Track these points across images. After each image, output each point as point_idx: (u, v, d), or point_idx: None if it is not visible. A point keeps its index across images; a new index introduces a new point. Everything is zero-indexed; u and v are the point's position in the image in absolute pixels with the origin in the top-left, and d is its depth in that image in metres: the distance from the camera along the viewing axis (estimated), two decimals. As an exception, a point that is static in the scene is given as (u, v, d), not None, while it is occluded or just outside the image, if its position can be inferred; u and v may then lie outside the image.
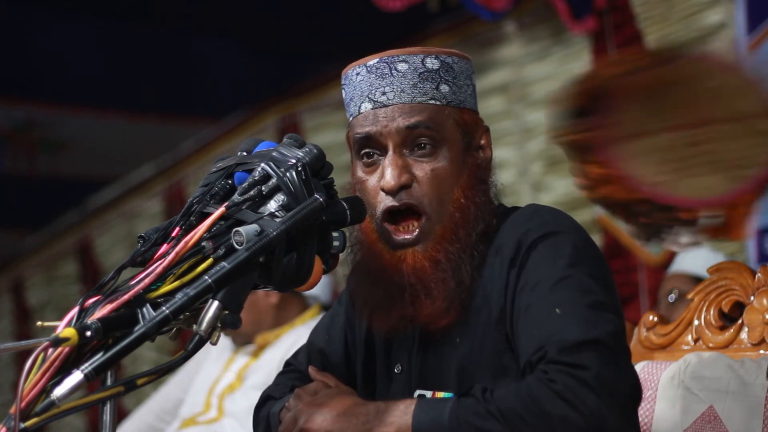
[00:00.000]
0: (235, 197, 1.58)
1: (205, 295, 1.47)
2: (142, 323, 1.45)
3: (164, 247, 1.55)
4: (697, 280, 3.58)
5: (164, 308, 1.45)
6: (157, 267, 1.50)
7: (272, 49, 8.67)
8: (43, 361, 1.41)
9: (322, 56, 7.04)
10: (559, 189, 5.03)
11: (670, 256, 4.23)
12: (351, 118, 1.86)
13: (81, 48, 8.55)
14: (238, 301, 1.50)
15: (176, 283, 1.50)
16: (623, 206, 1.98)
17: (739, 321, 2.12)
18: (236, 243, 1.51)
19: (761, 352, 2.07)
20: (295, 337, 3.36)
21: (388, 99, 1.80)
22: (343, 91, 1.89)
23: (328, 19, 7.86)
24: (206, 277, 1.47)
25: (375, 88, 1.81)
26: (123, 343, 1.43)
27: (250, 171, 1.62)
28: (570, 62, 5.00)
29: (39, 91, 8.92)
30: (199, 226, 1.54)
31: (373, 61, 1.81)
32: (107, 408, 1.45)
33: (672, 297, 3.65)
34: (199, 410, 3.44)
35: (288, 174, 1.57)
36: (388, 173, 1.78)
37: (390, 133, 1.79)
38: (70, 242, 8.09)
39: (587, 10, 4.73)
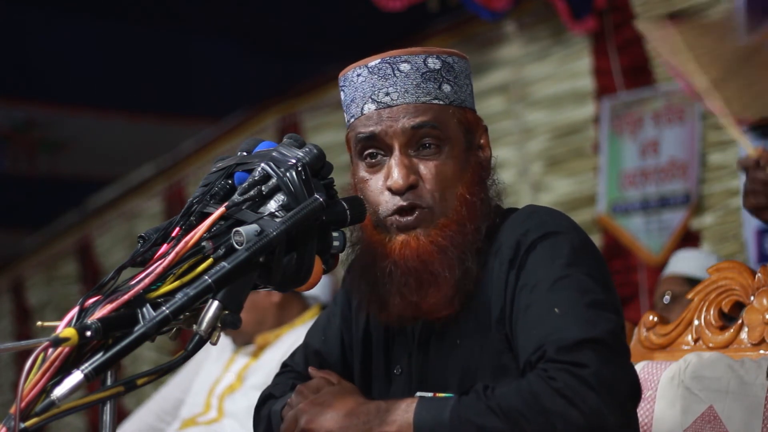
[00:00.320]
0: (235, 197, 1.58)
1: (205, 295, 1.47)
2: (142, 323, 1.45)
3: (164, 247, 1.55)
4: (690, 281, 3.59)
5: (164, 308, 1.45)
6: (157, 267, 1.50)
7: (272, 49, 8.67)
8: (43, 361, 1.41)
9: (322, 56, 7.05)
10: (559, 189, 5.04)
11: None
12: (352, 120, 1.85)
13: (81, 48, 8.55)
14: (238, 301, 1.50)
15: (176, 283, 1.50)
16: None
17: (739, 321, 2.12)
18: (236, 243, 1.51)
19: (761, 352, 2.07)
20: (294, 337, 3.35)
21: (392, 99, 1.80)
22: (341, 93, 1.88)
23: (328, 19, 7.86)
24: (206, 277, 1.47)
25: (378, 88, 1.81)
26: (123, 343, 1.43)
27: (250, 171, 1.62)
28: (570, 62, 5.01)
29: (39, 91, 8.92)
30: (199, 226, 1.54)
31: (374, 61, 1.81)
32: (107, 408, 1.45)
33: (666, 299, 3.65)
34: (199, 411, 3.44)
35: (288, 174, 1.57)
36: (395, 173, 1.78)
37: (395, 133, 1.79)
38: (70, 242, 8.09)
39: (587, 10, 4.73)
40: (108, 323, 1.43)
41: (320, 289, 3.53)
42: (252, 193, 1.57)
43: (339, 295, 2.03)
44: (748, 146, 2.24)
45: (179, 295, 1.46)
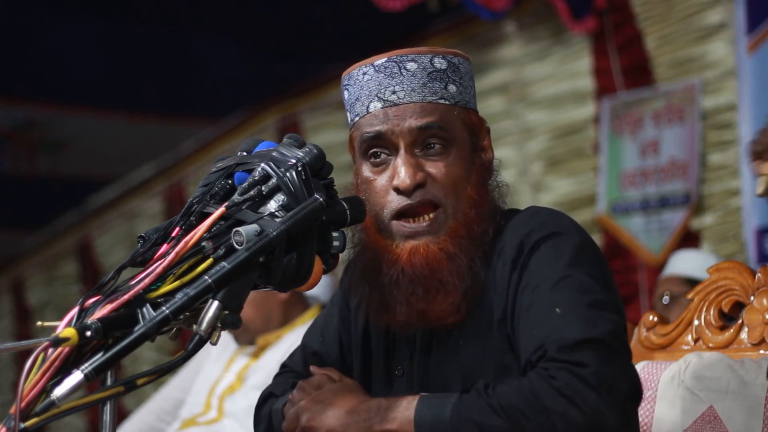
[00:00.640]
0: (235, 197, 1.57)
1: (205, 295, 1.47)
2: (142, 323, 1.45)
3: (164, 247, 1.55)
4: (689, 282, 3.60)
5: (164, 308, 1.45)
6: (157, 267, 1.50)
7: (272, 49, 8.67)
8: (43, 361, 1.41)
9: (322, 56, 7.05)
10: (559, 189, 5.04)
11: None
12: (357, 118, 1.85)
13: (81, 48, 8.55)
14: (238, 301, 1.50)
15: (176, 283, 1.50)
16: None
17: (739, 321, 2.12)
18: (236, 243, 1.51)
19: (761, 352, 2.07)
20: (295, 337, 3.35)
21: (398, 98, 1.79)
22: (345, 92, 1.87)
23: (328, 19, 7.87)
24: (206, 277, 1.47)
25: (384, 87, 1.80)
26: (123, 343, 1.42)
27: (250, 171, 1.62)
28: (570, 62, 5.01)
29: (39, 91, 8.93)
30: (199, 226, 1.54)
31: (381, 60, 1.81)
32: (107, 408, 1.45)
33: (665, 299, 3.66)
34: (200, 411, 3.44)
35: (288, 174, 1.57)
36: (402, 172, 1.77)
37: (402, 133, 1.79)
38: (70, 242, 8.09)
39: (587, 10, 4.74)
40: (108, 323, 1.43)
41: (320, 289, 3.53)
42: (252, 193, 1.57)
43: (336, 295, 2.02)
44: None
45: (179, 295, 1.46)
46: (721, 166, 4.43)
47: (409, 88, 1.79)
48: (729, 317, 2.17)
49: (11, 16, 8.14)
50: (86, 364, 1.40)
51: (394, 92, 1.79)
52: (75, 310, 1.48)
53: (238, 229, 1.52)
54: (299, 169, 1.57)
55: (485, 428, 1.58)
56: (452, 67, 1.82)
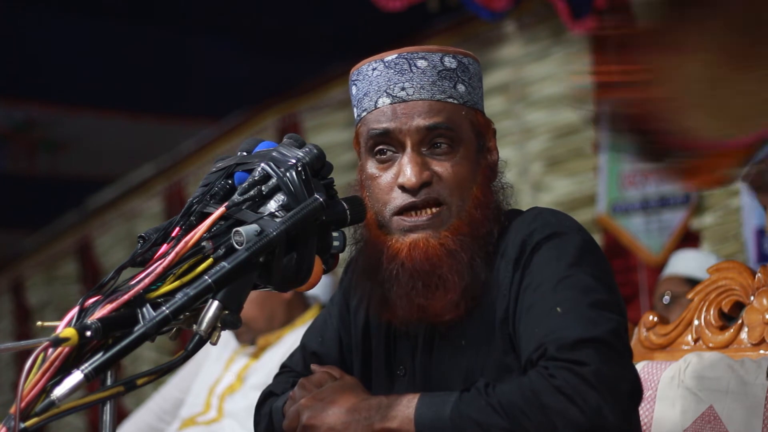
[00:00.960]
0: (235, 197, 1.58)
1: (205, 295, 1.47)
2: (142, 323, 1.45)
3: (164, 247, 1.55)
4: (690, 281, 3.60)
5: (164, 308, 1.45)
6: (157, 267, 1.50)
7: (272, 49, 8.67)
8: (43, 361, 1.41)
9: (322, 56, 7.05)
10: (559, 189, 5.04)
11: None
12: (365, 114, 1.84)
13: (81, 48, 8.55)
14: (238, 301, 1.50)
15: (176, 283, 1.50)
16: (625, 116, 1.96)
17: (739, 321, 2.12)
18: (236, 243, 1.51)
19: (761, 352, 2.07)
20: (295, 337, 3.35)
21: (407, 94, 1.80)
22: (353, 87, 1.87)
23: (328, 19, 7.87)
24: (206, 277, 1.47)
25: (394, 83, 1.80)
26: (123, 343, 1.43)
27: (250, 171, 1.62)
28: (570, 62, 5.01)
29: (39, 91, 8.92)
30: (199, 226, 1.54)
31: (391, 56, 1.81)
32: (107, 408, 1.45)
33: (665, 299, 3.66)
34: (199, 410, 3.44)
35: (288, 174, 1.57)
36: (408, 170, 1.77)
37: (409, 131, 1.79)
38: (70, 242, 8.09)
39: (587, 10, 4.73)
40: (108, 323, 1.43)
41: (320, 289, 3.53)
42: (252, 193, 1.57)
43: (336, 295, 2.02)
44: None
45: (179, 295, 1.46)
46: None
47: (419, 86, 1.79)
48: (729, 317, 2.17)
49: (11, 15, 8.14)
50: (86, 364, 1.41)
51: (403, 89, 1.79)
52: (75, 310, 1.48)
53: (238, 229, 1.52)
54: (299, 169, 1.57)
55: (485, 427, 1.58)
56: (462, 67, 1.82)
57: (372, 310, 1.88)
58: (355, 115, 1.88)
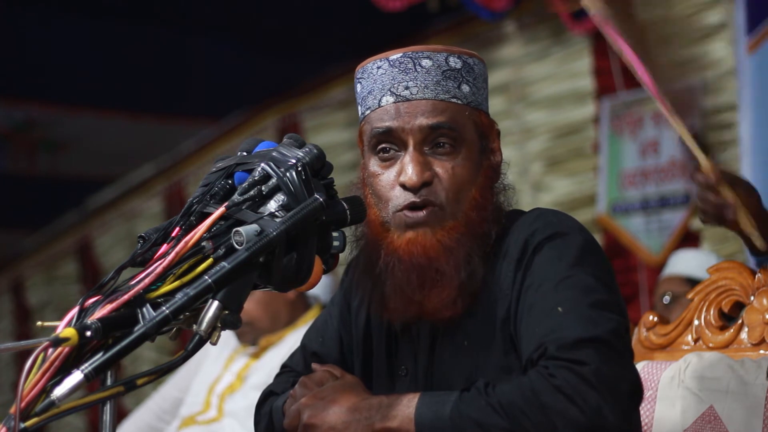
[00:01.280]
0: (235, 197, 1.58)
1: (205, 295, 1.47)
2: (142, 323, 1.45)
3: (164, 247, 1.55)
4: (690, 281, 3.60)
5: (164, 308, 1.45)
6: (157, 267, 1.50)
7: (272, 49, 8.67)
8: (43, 361, 1.41)
9: (322, 56, 7.05)
10: (559, 189, 5.04)
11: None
12: (368, 112, 1.84)
13: (81, 48, 8.55)
14: (238, 301, 1.50)
15: (176, 283, 1.50)
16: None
17: (739, 321, 2.12)
18: (236, 243, 1.51)
19: (761, 352, 2.07)
20: (296, 337, 3.35)
21: (411, 93, 1.80)
22: (358, 84, 1.87)
23: (328, 19, 7.87)
24: (206, 277, 1.47)
25: (398, 81, 1.80)
26: (123, 343, 1.43)
27: (250, 171, 1.62)
28: (570, 62, 5.01)
29: (39, 91, 8.92)
30: (199, 226, 1.54)
31: (396, 55, 1.81)
32: (107, 408, 1.45)
33: (666, 299, 3.66)
34: (199, 409, 3.44)
35: (288, 174, 1.57)
36: (410, 170, 1.78)
37: (412, 130, 1.79)
38: (70, 242, 8.09)
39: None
40: (108, 323, 1.43)
41: (320, 289, 3.53)
42: (252, 193, 1.57)
43: (336, 295, 2.02)
44: (699, 154, 2.18)
45: (179, 295, 1.46)
46: (727, 166, 4.43)
47: (423, 85, 1.79)
48: (729, 317, 2.17)
49: (11, 15, 8.14)
50: (86, 364, 1.40)
51: (407, 87, 1.80)
52: (75, 310, 1.48)
53: (238, 229, 1.52)
54: (299, 169, 1.57)
55: (485, 426, 1.58)
56: (467, 68, 1.82)
57: (371, 308, 1.88)
58: (359, 113, 1.88)
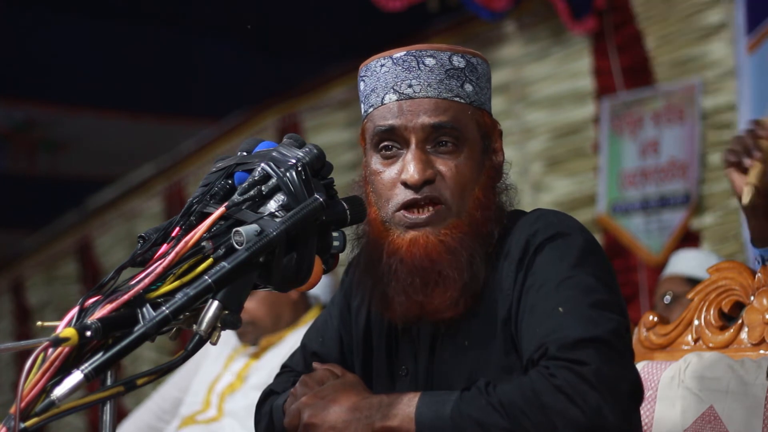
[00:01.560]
0: (235, 197, 1.58)
1: (205, 295, 1.47)
2: (142, 323, 1.45)
3: (164, 247, 1.55)
4: (691, 281, 3.59)
5: (164, 308, 1.45)
6: (157, 267, 1.50)
7: (272, 49, 8.66)
8: (43, 361, 1.41)
9: (322, 56, 7.05)
10: (559, 189, 5.04)
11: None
12: (371, 110, 1.84)
13: (81, 48, 8.54)
14: (238, 301, 1.50)
15: (176, 283, 1.50)
16: None
17: (739, 321, 2.12)
18: (236, 243, 1.51)
19: (761, 352, 2.07)
20: (297, 337, 3.35)
21: (414, 91, 1.80)
22: (361, 83, 1.87)
23: (328, 19, 7.86)
24: (206, 277, 1.47)
25: (401, 79, 1.80)
26: (123, 343, 1.43)
27: (250, 171, 1.62)
28: (570, 62, 5.01)
29: (39, 91, 8.92)
30: (199, 226, 1.54)
31: (400, 53, 1.81)
32: (107, 408, 1.45)
33: (667, 299, 3.66)
34: (198, 408, 3.44)
35: (288, 174, 1.57)
36: (412, 167, 1.78)
37: (414, 128, 1.79)
38: (70, 242, 8.09)
39: (587, 10, 4.74)
40: (108, 323, 1.43)
41: (320, 289, 3.53)
42: (252, 193, 1.57)
43: (336, 296, 2.02)
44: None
45: (179, 295, 1.46)
46: (721, 166, 4.42)
47: (426, 83, 1.79)
48: (729, 317, 2.17)
49: (11, 15, 8.13)
50: (86, 364, 1.40)
51: (410, 86, 1.80)
52: (75, 310, 1.48)
53: (238, 229, 1.52)
54: (299, 169, 1.57)
55: (485, 426, 1.58)
56: (470, 67, 1.83)
57: (372, 306, 1.88)
58: (362, 111, 1.89)
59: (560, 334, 1.62)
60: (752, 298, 2.11)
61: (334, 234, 1.62)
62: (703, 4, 4.51)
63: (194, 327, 1.48)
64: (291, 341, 3.38)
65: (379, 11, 4.95)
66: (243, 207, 1.57)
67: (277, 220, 1.53)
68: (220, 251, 1.53)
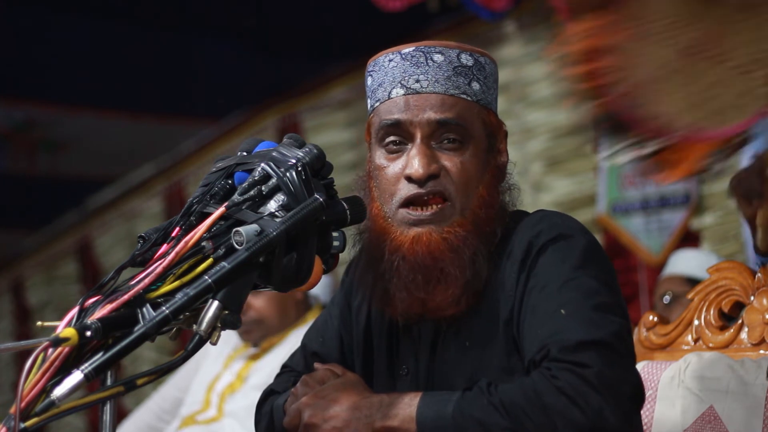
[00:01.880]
0: (235, 197, 1.58)
1: (205, 295, 1.47)
2: (142, 323, 1.45)
3: (164, 247, 1.55)
4: (690, 281, 3.60)
5: (164, 308, 1.45)
6: (157, 267, 1.50)
7: (272, 49, 8.67)
8: (43, 361, 1.41)
9: (322, 56, 7.05)
10: (559, 189, 5.04)
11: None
12: (377, 104, 1.85)
13: (81, 48, 8.55)
14: (238, 301, 1.50)
15: (176, 283, 1.50)
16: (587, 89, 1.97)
17: (739, 321, 2.12)
18: (236, 243, 1.51)
19: (761, 352, 2.07)
20: (297, 338, 3.35)
21: (421, 86, 1.80)
22: (369, 77, 1.87)
23: (328, 19, 7.86)
24: (206, 277, 1.47)
25: (409, 74, 1.81)
26: (123, 343, 1.43)
27: (250, 171, 1.62)
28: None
29: (39, 91, 8.92)
30: (199, 226, 1.54)
31: (408, 49, 1.82)
32: (107, 408, 1.45)
33: (666, 299, 3.66)
34: (198, 408, 3.44)
35: (288, 174, 1.57)
36: (416, 162, 1.78)
37: (420, 123, 1.79)
38: (70, 242, 8.09)
39: (587, 10, 4.72)
40: (108, 323, 1.43)
41: (320, 289, 3.53)
42: (252, 193, 1.57)
43: (337, 296, 2.02)
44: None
45: (179, 295, 1.46)
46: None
47: (433, 79, 1.80)
48: (729, 317, 2.16)
49: (11, 15, 8.14)
50: (86, 364, 1.40)
51: (417, 81, 1.80)
52: (75, 310, 1.48)
53: (238, 229, 1.52)
54: (299, 169, 1.57)
55: (487, 426, 1.58)
56: (478, 66, 1.83)
57: (373, 303, 1.88)
58: (369, 106, 1.89)
59: (562, 336, 1.62)
60: (752, 298, 2.11)
61: (334, 234, 1.62)
62: (703, 4, 4.50)
63: (194, 327, 1.48)
64: (291, 341, 3.37)
65: (379, 11, 4.95)
66: (243, 207, 1.57)
67: (277, 220, 1.53)
68: (220, 251, 1.53)
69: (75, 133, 9.38)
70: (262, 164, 1.60)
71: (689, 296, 2.22)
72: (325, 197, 1.56)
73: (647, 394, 2.08)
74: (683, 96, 1.90)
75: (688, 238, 4.49)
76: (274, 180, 1.58)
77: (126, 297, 1.46)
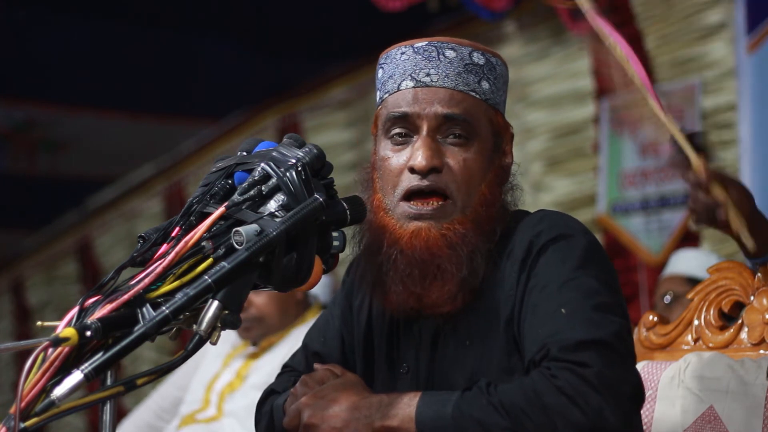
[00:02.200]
0: (235, 197, 1.58)
1: (205, 295, 1.47)
2: (142, 323, 1.45)
3: (164, 247, 1.55)
4: (691, 281, 3.59)
5: (164, 308, 1.45)
6: (157, 267, 1.50)
7: (272, 49, 8.67)
8: (43, 361, 1.41)
9: (322, 56, 7.05)
10: (559, 189, 5.04)
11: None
12: (386, 96, 1.85)
13: (81, 48, 8.55)
14: (238, 301, 1.50)
15: (176, 283, 1.50)
16: None
17: (739, 321, 2.12)
18: (236, 243, 1.51)
19: (761, 352, 2.07)
20: (297, 337, 3.35)
21: (431, 80, 1.81)
22: (380, 70, 1.88)
23: (328, 19, 7.87)
24: (206, 277, 1.47)
25: (420, 68, 1.81)
26: (123, 343, 1.43)
27: (250, 171, 1.62)
28: (570, 62, 5.01)
29: (39, 91, 8.93)
30: (199, 226, 1.54)
31: (421, 43, 1.83)
32: (107, 408, 1.45)
33: (667, 299, 3.66)
34: (198, 407, 3.44)
35: (288, 174, 1.57)
36: (420, 154, 1.78)
37: (427, 116, 1.80)
38: (70, 242, 8.09)
39: (587, 10, 4.72)
40: (108, 323, 1.43)
41: (320, 289, 3.53)
42: (252, 193, 1.57)
43: (338, 296, 2.02)
44: (690, 153, 2.11)
45: (179, 295, 1.46)
46: (721, 166, 4.42)
47: (444, 74, 1.80)
48: (729, 317, 2.16)
49: (11, 15, 8.14)
50: (86, 364, 1.40)
51: (428, 74, 1.81)
52: (75, 310, 1.48)
53: (238, 228, 1.52)
54: (299, 169, 1.57)
55: (486, 426, 1.58)
56: (489, 65, 1.84)
57: (372, 294, 1.88)
58: (377, 98, 1.89)
59: (562, 335, 1.62)
60: (752, 298, 2.11)
61: (334, 234, 1.62)
62: (703, 4, 4.50)
63: (194, 327, 1.48)
64: (291, 341, 3.37)
65: (379, 11, 4.96)
66: (243, 207, 1.57)
67: (277, 220, 1.53)
68: (220, 251, 1.53)
69: (75, 133, 9.39)
70: (262, 164, 1.60)
71: (689, 296, 2.22)
72: (325, 197, 1.56)
73: (647, 394, 2.08)
74: None
75: (688, 238, 4.49)
76: (274, 180, 1.58)
77: (126, 297, 1.46)
